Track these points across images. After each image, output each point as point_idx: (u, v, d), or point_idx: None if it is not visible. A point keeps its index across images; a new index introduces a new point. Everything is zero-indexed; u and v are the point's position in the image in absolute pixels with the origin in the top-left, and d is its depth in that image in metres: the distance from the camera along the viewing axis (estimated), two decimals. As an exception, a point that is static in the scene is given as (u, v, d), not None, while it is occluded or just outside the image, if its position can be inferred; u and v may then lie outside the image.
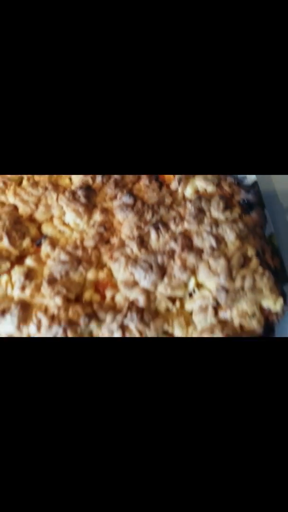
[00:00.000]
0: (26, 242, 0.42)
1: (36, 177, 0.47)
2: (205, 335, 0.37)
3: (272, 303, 0.38)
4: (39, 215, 0.45)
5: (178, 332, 0.37)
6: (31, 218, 0.44)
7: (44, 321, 0.36)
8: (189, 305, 0.40)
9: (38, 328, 0.36)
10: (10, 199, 0.45)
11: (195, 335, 0.38)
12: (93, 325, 0.36)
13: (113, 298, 0.40)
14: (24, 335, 0.36)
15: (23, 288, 0.38)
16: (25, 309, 0.37)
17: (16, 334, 0.36)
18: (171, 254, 0.41)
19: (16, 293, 0.38)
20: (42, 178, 0.47)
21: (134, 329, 0.35)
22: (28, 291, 0.38)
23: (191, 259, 0.40)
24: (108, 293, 0.40)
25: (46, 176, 0.47)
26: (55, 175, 0.47)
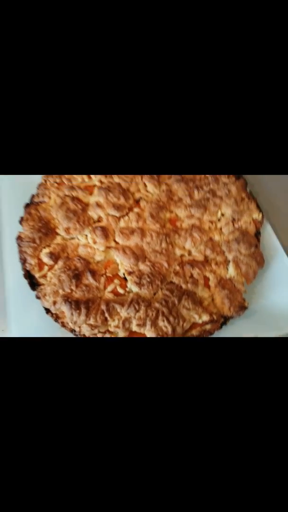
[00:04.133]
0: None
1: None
2: (231, 237, 0.72)
3: (257, 216, 0.77)
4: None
5: (217, 238, 0.73)
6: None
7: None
8: (218, 224, 0.76)
9: None
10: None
11: (224, 238, 0.73)
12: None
13: (181, 225, 0.74)
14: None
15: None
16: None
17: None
18: (208, 199, 0.77)
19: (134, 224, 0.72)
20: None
21: (197, 236, 0.71)
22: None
23: (217, 201, 0.77)
24: (177, 223, 0.74)
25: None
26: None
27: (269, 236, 0.78)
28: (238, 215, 0.76)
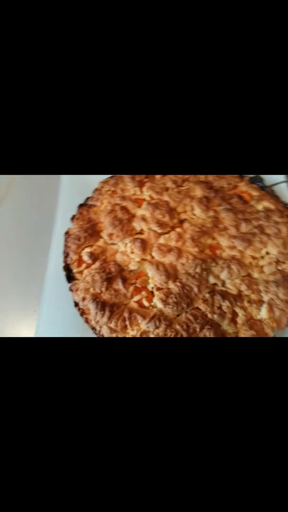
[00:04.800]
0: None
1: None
2: (271, 278, 0.68)
3: None
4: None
5: (256, 275, 0.70)
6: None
7: None
8: (261, 262, 0.72)
9: None
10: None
11: (263, 278, 0.69)
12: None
13: (220, 254, 0.72)
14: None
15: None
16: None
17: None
18: (254, 234, 0.74)
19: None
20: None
21: (235, 268, 0.68)
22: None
23: (264, 238, 0.73)
24: (217, 251, 0.72)
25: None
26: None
27: (314, 287, 0.73)
28: (284, 258, 0.72)
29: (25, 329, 0.74)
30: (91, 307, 0.63)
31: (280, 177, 0.88)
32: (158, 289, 0.67)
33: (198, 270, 0.69)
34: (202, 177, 0.85)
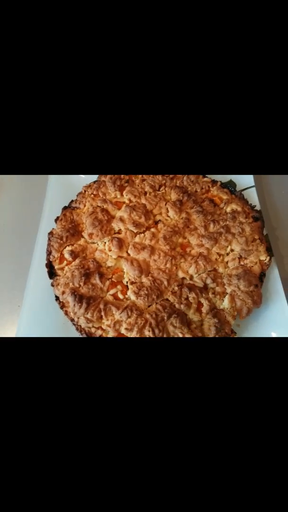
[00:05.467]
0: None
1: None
2: (234, 272, 0.76)
3: (264, 258, 0.79)
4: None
5: (221, 270, 0.78)
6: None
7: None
8: (225, 258, 0.80)
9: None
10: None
11: (227, 272, 0.77)
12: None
13: (190, 251, 0.80)
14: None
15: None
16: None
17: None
18: (220, 234, 0.82)
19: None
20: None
21: (202, 264, 0.76)
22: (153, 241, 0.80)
23: (229, 237, 0.81)
24: (187, 249, 0.80)
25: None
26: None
27: (274, 281, 0.81)
28: (246, 254, 0.80)
29: (9, 324, 0.81)
30: (70, 300, 0.71)
31: (250, 183, 0.97)
32: (132, 283, 0.75)
33: (168, 265, 0.77)
34: (177, 183, 0.93)
